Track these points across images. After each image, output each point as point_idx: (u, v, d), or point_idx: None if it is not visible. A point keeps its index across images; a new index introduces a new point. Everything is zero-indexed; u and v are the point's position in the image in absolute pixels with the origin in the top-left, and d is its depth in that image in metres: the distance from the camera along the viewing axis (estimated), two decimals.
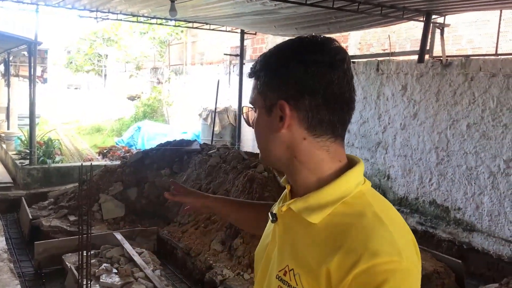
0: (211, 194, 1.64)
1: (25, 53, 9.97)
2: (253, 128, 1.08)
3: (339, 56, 0.98)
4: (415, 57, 6.65)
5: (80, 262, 3.64)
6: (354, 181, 0.99)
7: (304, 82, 0.97)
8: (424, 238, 6.28)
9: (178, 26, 10.63)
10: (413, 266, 0.90)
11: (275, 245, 1.07)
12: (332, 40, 1.01)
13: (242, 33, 9.84)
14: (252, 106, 1.08)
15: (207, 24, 9.00)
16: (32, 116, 8.05)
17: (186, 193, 1.57)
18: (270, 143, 1.04)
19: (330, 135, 1.00)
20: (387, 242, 0.89)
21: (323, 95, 0.97)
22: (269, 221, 1.14)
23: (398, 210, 5.80)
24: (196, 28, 9.58)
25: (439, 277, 4.83)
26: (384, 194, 7.00)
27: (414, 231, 6.49)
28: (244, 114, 1.14)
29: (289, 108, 0.98)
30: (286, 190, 1.12)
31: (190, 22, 8.90)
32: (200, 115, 11.92)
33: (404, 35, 8.46)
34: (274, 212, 1.10)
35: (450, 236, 6.09)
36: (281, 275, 0.99)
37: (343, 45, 9.87)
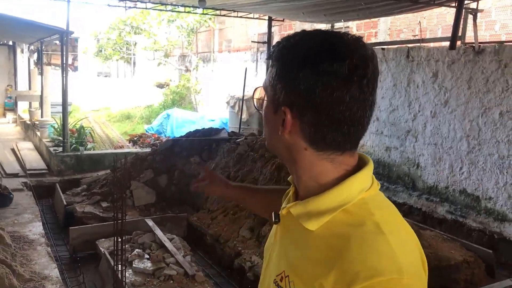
0: (235, 183, 1.66)
1: (57, 42, 10.20)
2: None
3: (359, 72, 0.86)
4: (447, 43, 6.49)
5: (115, 247, 3.76)
6: (358, 187, 0.91)
7: (312, 95, 0.87)
8: (454, 228, 6.21)
9: (206, 14, 10.65)
10: (415, 282, 0.83)
11: (276, 247, 1.03)
12: (359, 46, 0.89)
13: (270, 20, 9.80)
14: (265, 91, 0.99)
15: (234, 11, 9.00)
16: (64, 104, 8.23)
17: (212, 180, 1.58)
18: (273, 139, 0.98)
19: (335, 150, 0.92)
20: (387, 257, 0.82)
21: (329, 114, 0.87)
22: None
23: (427, 199, 5.68)
24: (223, 15, 9.59)
25: (469, 266, 4.77)
26: (413, 182, 6.95)
27: (444, 220, 6.42)
28: (258, 99, 1.04)
29: (291, 116, 0.90)
30: (290, 190, 1.05)
31: (217, 9, 8.92)
32: (227, 102, 11.98)
33: (435, 20, 8.27)
34: (278, 212, 1.03)
35: (481, 226, 6.01)
36: (278, 280, 0.95)
37: (372, 31, 9.70)
